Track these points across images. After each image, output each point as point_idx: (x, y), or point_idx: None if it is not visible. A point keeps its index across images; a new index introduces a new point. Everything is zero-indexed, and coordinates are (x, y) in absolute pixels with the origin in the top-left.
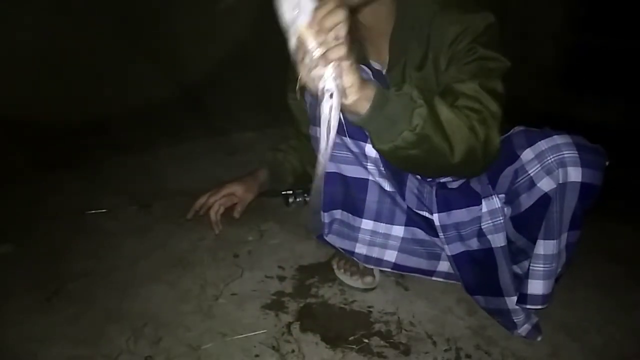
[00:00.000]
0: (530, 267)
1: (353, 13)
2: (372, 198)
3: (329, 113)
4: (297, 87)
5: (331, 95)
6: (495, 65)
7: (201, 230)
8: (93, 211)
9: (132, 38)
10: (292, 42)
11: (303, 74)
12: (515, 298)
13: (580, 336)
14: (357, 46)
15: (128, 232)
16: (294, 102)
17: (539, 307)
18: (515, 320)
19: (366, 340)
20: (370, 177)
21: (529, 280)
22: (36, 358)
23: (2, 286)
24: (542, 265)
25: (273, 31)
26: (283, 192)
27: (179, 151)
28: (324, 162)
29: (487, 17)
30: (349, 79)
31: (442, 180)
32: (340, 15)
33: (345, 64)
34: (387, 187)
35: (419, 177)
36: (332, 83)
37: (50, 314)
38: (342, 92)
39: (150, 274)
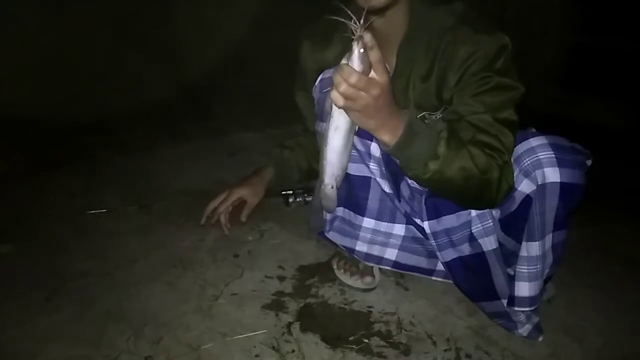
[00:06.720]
0: (516, 269)
1: (375, 14)
2: (374, 197)
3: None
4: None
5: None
6: (510, 95)
7: (201, 231)
8: (93, 211)
9: (132, 38)
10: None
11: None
12: None
13: (580, 336)
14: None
15: (128, 232)
16: (301, 98)
17: (527, 309)
18: (515, 321)
19: (366, 340)
20: (373, 176)
21: (516, 282)
22: (36, 358)
23: (2, 286)
24: (526, 267)
25: (273, 31)
26: (283, 192)
27: (179, 151)
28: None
29: (501, 39)
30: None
31: None
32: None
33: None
34: (387, 188)
35: (410, 184)
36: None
37: (50, 313)
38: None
39: (150, 274)
